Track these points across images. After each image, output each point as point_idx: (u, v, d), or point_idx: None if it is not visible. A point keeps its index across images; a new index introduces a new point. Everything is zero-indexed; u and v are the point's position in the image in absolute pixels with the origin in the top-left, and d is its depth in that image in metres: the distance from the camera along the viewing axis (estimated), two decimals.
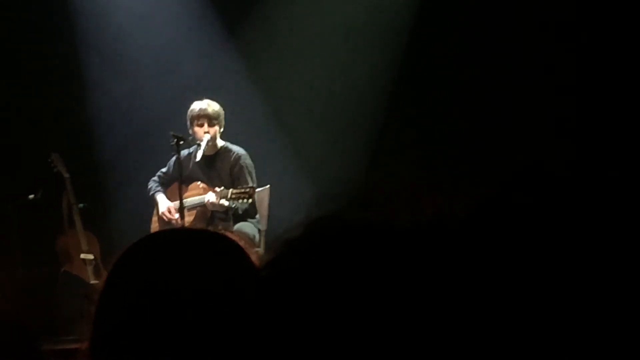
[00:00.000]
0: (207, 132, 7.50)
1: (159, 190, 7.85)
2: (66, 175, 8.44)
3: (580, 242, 0.88)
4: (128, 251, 1.80)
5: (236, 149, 7.69)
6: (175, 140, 7.47)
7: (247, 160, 7.65)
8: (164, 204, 7.76)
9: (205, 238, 1.82)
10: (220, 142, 7.69)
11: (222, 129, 7.62)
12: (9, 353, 2.45)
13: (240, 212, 7.45)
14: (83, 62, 9.24)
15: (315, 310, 0.87)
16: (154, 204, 7.90)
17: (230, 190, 7.27)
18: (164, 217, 7.70)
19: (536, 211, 0.90)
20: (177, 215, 7.60)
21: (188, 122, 7.57)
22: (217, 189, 7.39)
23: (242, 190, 7.26)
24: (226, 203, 7.30)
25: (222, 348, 1.54)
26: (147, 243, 1.83)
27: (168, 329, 1.67)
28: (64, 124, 9.10)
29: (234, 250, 1.79)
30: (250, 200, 7.25)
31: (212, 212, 7.53)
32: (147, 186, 7.97)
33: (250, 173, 7.61)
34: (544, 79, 8.06)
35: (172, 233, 1.99)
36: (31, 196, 8.34)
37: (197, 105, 7.56)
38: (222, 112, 7.58)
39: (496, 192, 0.93)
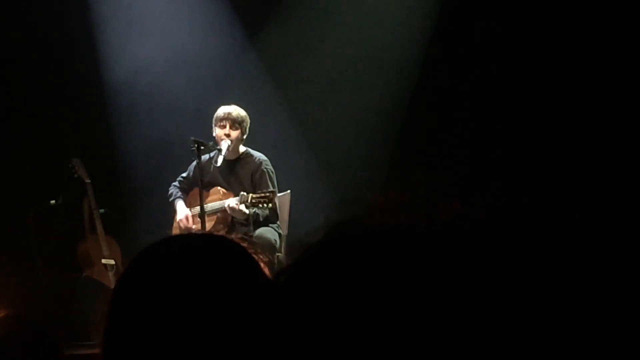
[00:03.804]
0: (228, 135, 7.52)
1: (179, 197, 7.87)
2: (87, 180, 8.47)
3: (598, 252, 0.88)
4: (139, 256, 1.81)
5: (258, 154, 7.71)
6: (196, 145, 7.49)
7: (268, 166, 7.66)
8: (182, 212, 7.78)
9: (210, 243, 1.82)
10: (242, 148, 7.71)
11: (245, 136, 7.64)
12: (32, 358, 2.46)
13: (261, 219, 7.47)
14: (104, 67, 9.27)
15: (335, 315, 0.87)
16: (173, 208, 7.91)
17: (250, 195, 7.28)
18: (180, 225, 7.71)
19: (554, 218, 0.90)
20: (194, 227, 7.60)
21: (213, 124, 7.61)
22: (237, 196, 7.39)
23: (263, 195, 7.26)
24: (246, 211, 7.30)
25: (234, 352, 1.54)
26: (158, 248, 1.83)
27: (178, 334, 1.67)
28: (85, 129, 9.14)
29: (240, 256, 1.79)
30: (270, 205, 7.25)
31: (233, 217, 7.54)
32: (167, 191, 7.99)
33: (271, 179, 7.62)
34: (567, 84, 8.03)
35: (181, 238, 1.99)
36: (52, 201, 8.36)
37: (222, 108, 7.61)
38: (246, 119, 7.61)
39: (514, 198, 0.93)
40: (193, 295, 1.69)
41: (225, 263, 1.77)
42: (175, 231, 7.81)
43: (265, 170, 7.62)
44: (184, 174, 7.93)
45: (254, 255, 1.79)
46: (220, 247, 1.80)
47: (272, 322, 0.90)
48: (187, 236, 2.00)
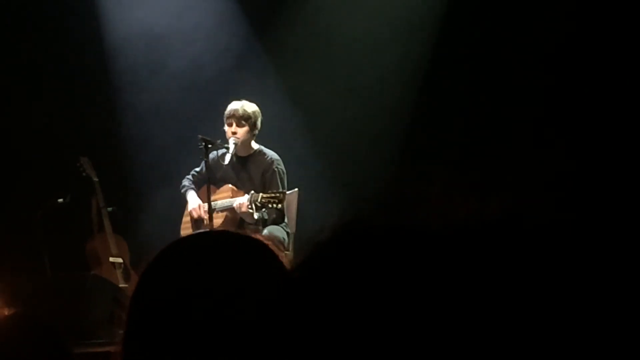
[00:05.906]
0: (235, 133, 7.51)
1: (190, 188, 7.87)
2: (95, 178, 8.49)
3: (610, 251, 0.87)
4: (158, 256, 1.80)
5: (270, 153, 7.69)
6: (204, 144, 7.49)
7: (280, 165, 7.65)
8: (195, 202, 7.77)
9: (234, 241, 1.82)
10: (255, 145, 7.69)
11: (255, 131, 7.61)
12: (39, 356, 2.46)
13: (268, 223, 7.46)
14: (112, 65, 9.29)
15: (345, 313, 0.87)
16: (184, 201, 7.92)
17: (261, 194, 7.26)
18: (193, 213, 7.70)
19: (568, 214, 0.90)
20: (206, 217, 7.59)
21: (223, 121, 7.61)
22: (247, 195, 7.38)
23: (273, 195, 7.24)
24: (256, 215, 7.28)
25: (253, 349, 1.54)
26: (178, 247, 1.82)
27: (200, 333, 1.67)
28: (93, 127, 9.15)
29: (263, 253, 1.78)
30: (280, 205, 7.23)
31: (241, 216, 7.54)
32: (176, 189, 8.00)
33: (281, 179, 7.61)
34: (576, 81, 8.02)
35: (201, 236, 1.98)
36: (60, 200, 8.38)
37: (231, 105, 7.59)
38: (256, 114, 7.57)
39: (528, 195, 0.93)
40: (218, 296, 1.69)
41: (247, 260, 1.76)
42: (184, 225, 7.82)
43: (276, 169, 7.60)
44: (197, 169, 7.93)
45: (274, 250, 1.79)
46: (242, 244, 1.79)
47: (288, 319, 0.90)
48: (207, 234, 1.98)
